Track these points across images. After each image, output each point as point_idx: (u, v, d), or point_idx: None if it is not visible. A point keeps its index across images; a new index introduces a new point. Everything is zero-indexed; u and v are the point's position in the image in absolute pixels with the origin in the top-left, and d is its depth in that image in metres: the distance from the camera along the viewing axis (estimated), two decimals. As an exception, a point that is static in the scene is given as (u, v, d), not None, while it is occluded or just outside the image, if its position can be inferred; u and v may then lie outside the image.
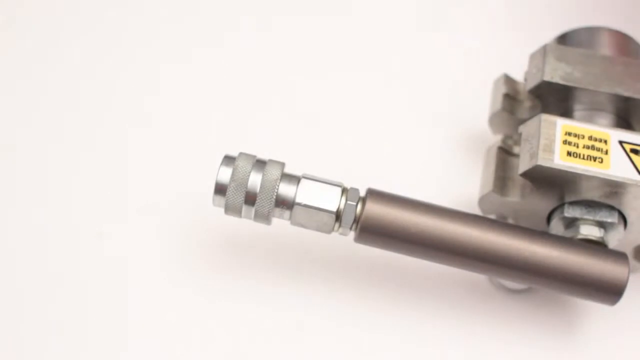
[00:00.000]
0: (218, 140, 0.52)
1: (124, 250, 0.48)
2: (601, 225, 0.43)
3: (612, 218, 0.42)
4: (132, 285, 0.46)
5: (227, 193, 0.42)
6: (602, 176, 0.41)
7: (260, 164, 0.42)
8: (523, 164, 0.43)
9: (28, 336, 0.44)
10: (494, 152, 0.46)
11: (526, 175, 0.42)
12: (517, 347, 0.46)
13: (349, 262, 0.48)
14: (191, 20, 0.59)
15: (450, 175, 0.52)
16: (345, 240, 0.44)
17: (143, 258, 0.47)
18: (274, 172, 0.42)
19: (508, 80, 0.49)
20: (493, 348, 0.46)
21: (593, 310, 0.44)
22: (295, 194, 0.41)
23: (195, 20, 0.59)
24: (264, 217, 0.42)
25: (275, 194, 0.41)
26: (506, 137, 0.48)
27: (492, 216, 0.46)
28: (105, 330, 0.45)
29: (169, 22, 0.58)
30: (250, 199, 0.42)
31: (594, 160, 0.41)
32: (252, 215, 0.42)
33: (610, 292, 0.42)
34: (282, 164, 0.43)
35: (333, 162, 0.50)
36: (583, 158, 0.41)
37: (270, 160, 0.42)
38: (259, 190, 0.41)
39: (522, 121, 0.45)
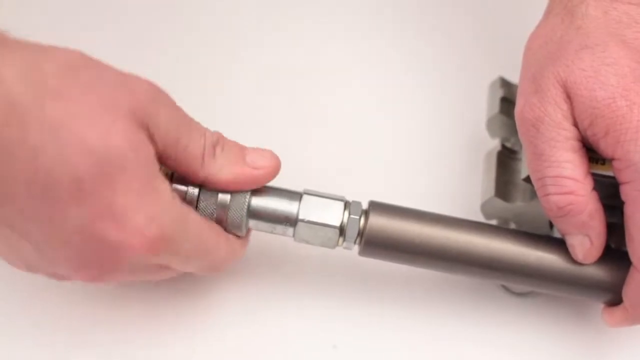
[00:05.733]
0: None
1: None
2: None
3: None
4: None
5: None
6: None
7: None
8: (526, 169, 0.42)
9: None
10: (494, 157, 0.46)
11: (529, 179, 0.42)
12: (523, 347, 0.46)
13: (353, 271, 0.48)
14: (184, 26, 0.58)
15: (450, 182, 0.51)
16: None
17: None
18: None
19: (504, 83, 0.48)
20: (500, 348, 0.46)
21: (598, 310, 0.44)
22: (298, 210, 0.41)
23: (191, 22, 0.58)
24: (237, 227, 0.41)
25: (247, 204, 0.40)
26: (504, 140, 0.48)
27: (494, 221, 0.46)
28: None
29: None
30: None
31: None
32: None
33: (615, 292, 0.42)
34: None
35: (331, 173, 0.50)
36: (586, 160, 0.41)
37: None
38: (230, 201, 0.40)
39: (521, 123, 0.45)
